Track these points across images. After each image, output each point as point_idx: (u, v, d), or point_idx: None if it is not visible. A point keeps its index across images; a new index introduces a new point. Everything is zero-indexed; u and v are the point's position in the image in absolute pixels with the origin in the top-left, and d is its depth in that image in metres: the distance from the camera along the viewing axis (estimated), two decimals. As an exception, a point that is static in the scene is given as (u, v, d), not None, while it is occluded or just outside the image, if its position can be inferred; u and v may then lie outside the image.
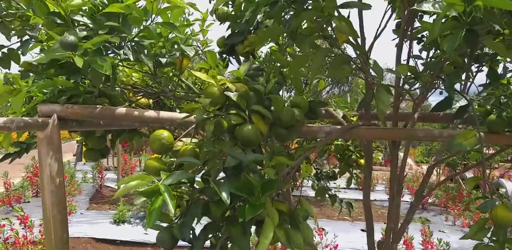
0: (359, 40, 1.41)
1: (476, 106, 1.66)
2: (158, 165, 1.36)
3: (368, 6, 1.26)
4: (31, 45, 1.72)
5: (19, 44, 1.99)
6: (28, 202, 7.60)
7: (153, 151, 1.41)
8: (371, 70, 1.32)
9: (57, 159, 1.47)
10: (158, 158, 1.44)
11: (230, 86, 1.30)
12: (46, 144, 1.46)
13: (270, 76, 1.67)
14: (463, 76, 1.80)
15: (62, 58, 1.42)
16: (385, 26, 1.78)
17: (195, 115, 1.26)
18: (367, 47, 1.51)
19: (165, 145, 1.38)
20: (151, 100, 2.16)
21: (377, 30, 1.76)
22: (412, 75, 1.47)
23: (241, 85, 1.35)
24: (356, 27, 1.41)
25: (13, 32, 1.95)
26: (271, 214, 1.19)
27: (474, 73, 1.95)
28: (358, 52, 1.29)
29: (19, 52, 1.99)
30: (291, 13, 1.41)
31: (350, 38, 1.30)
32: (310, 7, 1.22)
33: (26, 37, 1.87)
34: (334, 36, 1.23)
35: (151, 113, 1.55)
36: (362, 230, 6.62)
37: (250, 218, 1.05)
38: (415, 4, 1.06)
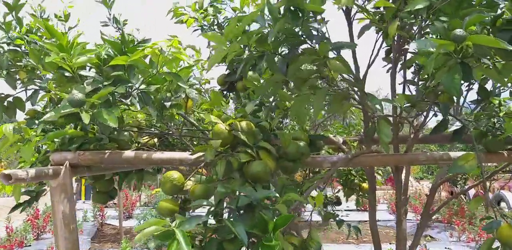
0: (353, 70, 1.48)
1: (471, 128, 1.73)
2: (171, 206, 1.40)
3: (354, 45, 1.34)
4: (40, 95, 1.78)
5: (23, 93, 2.06)
6: (30, 245, 7.45)
7: (164, 192, 1.45)
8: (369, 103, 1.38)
9: (70, 205, 1.50)
10: (170, 199, 1.48)
11: (237, 125, 1.36)
12: (59, 192, 1.49)
13: (269, 111, 1.73)
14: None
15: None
16: (377, 54, 1.87)
17: (205, 156, 1.31)
18: (361, 75, 1.58)
19: (177, 185, 1.42)
20: (155, 140, 2.21)
21: (370, 59, 1.83)
22: (409, 103, 1.54)
23: (247, 123, 1.41)
24: (349, 57, 1.50)
25: (19, 82, 2.03)
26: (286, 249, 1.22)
27: (465, 92, 2.03)
28: (355, 88, 1.35)
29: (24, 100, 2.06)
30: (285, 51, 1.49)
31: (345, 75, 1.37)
32: (301, 51, 1.29)
33: (34, 87, 1.94)
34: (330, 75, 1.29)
35: (159, 155, 1.59)
36: (370, 253, 6.53)
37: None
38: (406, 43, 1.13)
